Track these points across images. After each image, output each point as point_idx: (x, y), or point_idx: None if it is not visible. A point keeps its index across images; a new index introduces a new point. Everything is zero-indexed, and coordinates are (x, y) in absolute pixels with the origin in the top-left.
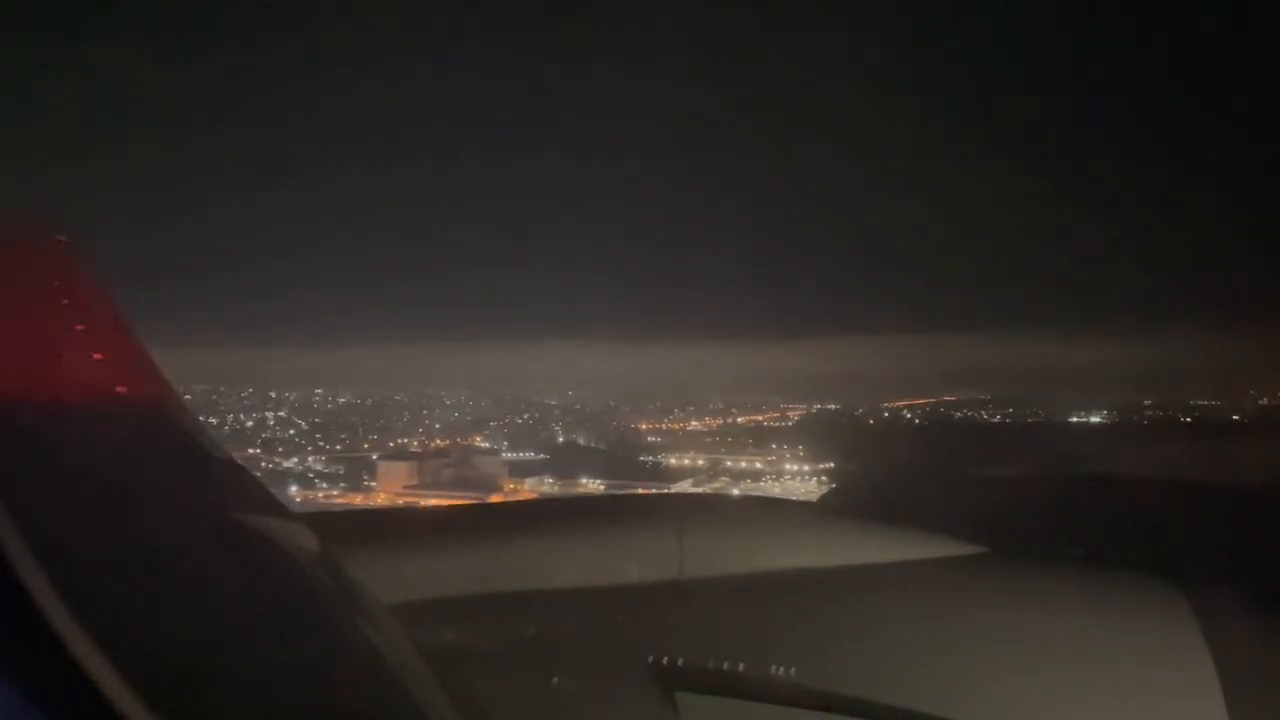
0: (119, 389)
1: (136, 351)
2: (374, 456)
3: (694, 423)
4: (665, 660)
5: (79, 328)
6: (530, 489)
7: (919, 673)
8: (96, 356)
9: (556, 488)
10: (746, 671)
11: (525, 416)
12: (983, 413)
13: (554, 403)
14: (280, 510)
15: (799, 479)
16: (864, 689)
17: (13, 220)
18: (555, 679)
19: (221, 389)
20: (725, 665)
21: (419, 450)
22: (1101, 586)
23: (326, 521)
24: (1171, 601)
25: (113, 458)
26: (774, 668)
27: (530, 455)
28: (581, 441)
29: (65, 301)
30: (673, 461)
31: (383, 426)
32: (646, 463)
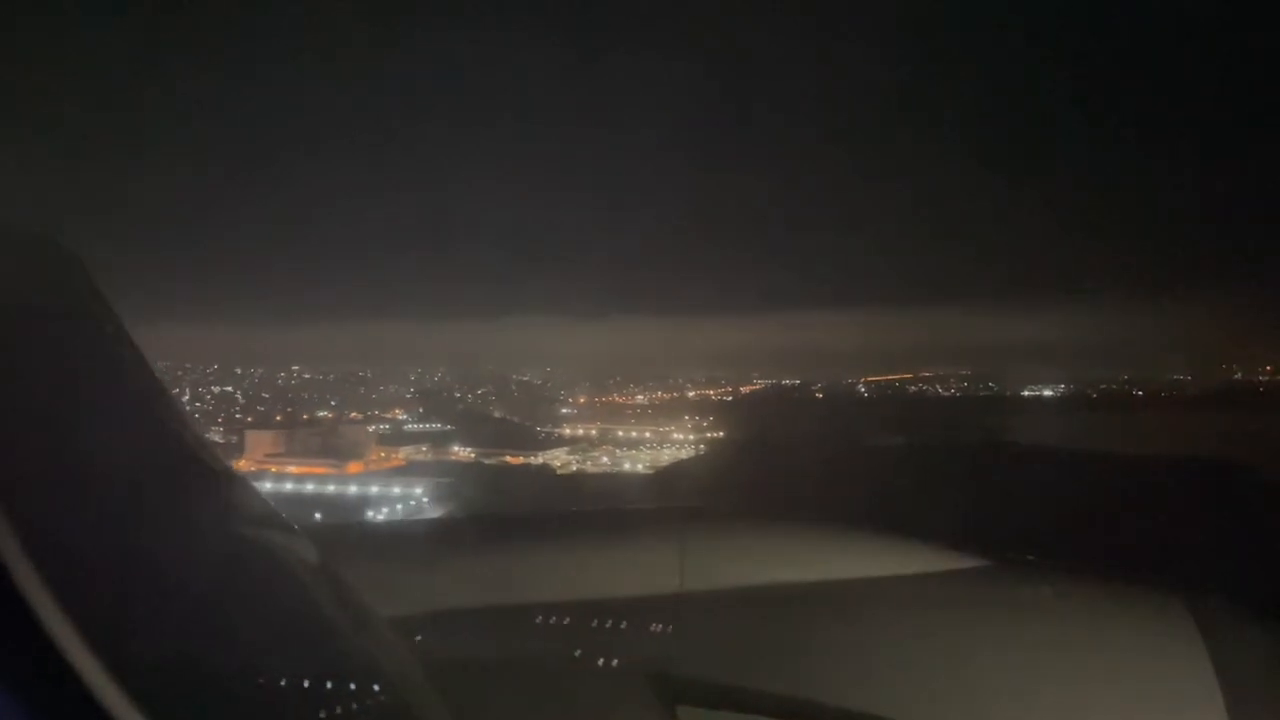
0: (118, 397)
1: (135, 359)
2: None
3: (639, 396)
4: (666, 674)
5: (78, 332)
6: (403, 457)
7: (920, 687)
8: (96, 364)
9: (430, 455)
10: (748, 685)
11: (480, 391)
12: (938, 387)
13: (526, 378)
14: (281, 523)
15: (674, 448)
16: (866, 704)
17: (7, 222)
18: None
19: (187, 365)
20: (727, 679)
21: (331, 420)
22: (1099, 595)
23: (329, 533)
24: (1170, 609)
25: (111, 468)
26: (776, 682)
27: (436, 426)
28: (497, 414)
29: (63, 306)
30: (566, 432)
31: (322, 401)
32: (540, 433)
